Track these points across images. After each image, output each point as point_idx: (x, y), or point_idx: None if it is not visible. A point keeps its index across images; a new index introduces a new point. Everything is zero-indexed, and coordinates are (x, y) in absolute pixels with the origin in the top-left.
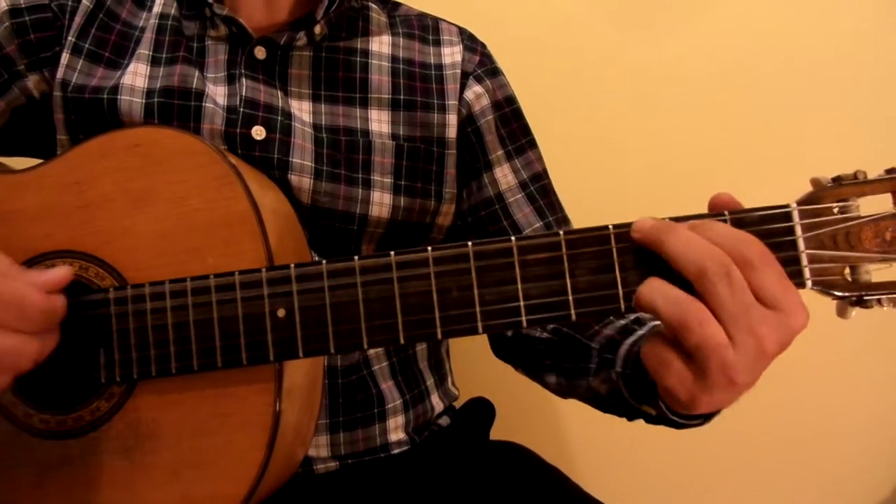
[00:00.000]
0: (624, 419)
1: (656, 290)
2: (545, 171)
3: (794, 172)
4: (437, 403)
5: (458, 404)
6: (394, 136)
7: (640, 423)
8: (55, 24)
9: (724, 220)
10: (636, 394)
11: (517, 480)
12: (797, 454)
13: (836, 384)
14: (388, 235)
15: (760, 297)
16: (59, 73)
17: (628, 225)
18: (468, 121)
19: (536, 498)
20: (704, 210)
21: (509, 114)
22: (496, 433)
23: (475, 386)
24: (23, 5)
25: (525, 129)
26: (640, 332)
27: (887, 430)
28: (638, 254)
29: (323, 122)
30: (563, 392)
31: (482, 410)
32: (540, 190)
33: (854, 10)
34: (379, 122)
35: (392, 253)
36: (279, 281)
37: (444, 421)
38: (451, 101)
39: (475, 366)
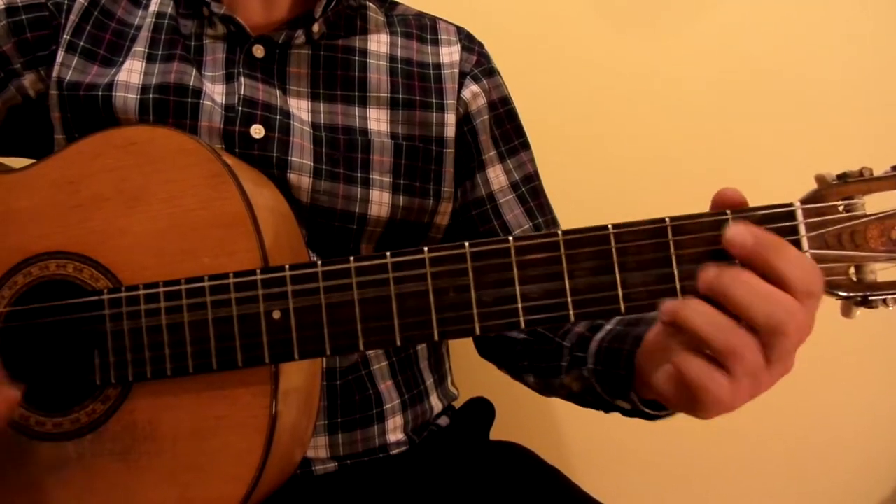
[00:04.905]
0: (629, 419)
1: (700, 313)
2: (536, 172)
3: (795, 172)
4: (437, 403)
5: (457, 404)
6: (392, 135)
7: (640, 423)
8: (51, 23)
9: (726, 220)
10: (609, 389)
11: (517, 481)
12: (797, 454)
13: (836, 383)
14: (388, 235)
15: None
16: (55, 72)
17: (627, 224)
18: (465, 120)
19: (536, 498)
20: (705, 209)
21: (504, 115)
22: (496, 433)
23: (475, 386)
24: (19, 4)
25: (519, 131)
26: (608, 328)
27: (887, 430)
28: (638, 254)
29: (322, 121)
30: (542, 391)
31: (482, 410)
32: (531, 191)
33: (855, 9)
34: (378, 120)
35: (388, 254)
36: (274, 282)
37: (444, 421)
38: (450, 101)
39: (475, 366)
